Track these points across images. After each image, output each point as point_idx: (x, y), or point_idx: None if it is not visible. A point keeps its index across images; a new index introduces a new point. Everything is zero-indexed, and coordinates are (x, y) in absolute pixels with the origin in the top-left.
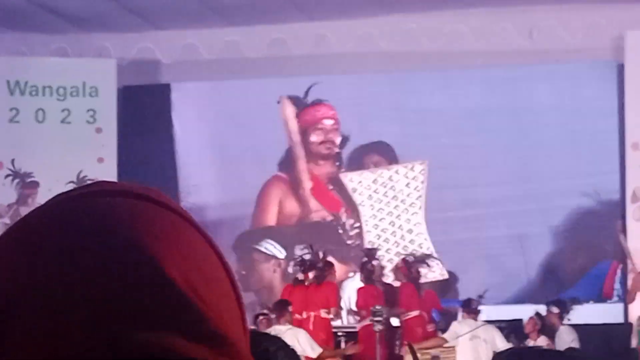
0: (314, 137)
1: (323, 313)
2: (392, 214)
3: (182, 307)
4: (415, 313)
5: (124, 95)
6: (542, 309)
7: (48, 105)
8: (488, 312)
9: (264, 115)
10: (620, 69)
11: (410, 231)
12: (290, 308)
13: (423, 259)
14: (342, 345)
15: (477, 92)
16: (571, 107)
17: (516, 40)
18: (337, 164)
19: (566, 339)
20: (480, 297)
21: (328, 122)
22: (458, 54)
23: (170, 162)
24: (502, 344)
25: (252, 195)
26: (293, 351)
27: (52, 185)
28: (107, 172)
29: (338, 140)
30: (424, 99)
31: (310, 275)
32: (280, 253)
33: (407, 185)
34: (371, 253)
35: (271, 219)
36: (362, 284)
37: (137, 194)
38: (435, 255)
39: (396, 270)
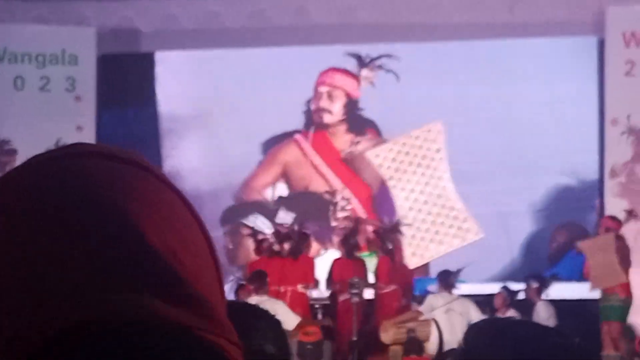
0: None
1: (300, 288)
2: (420, 182)
3: (160, 270)
4: (391, 287)
5: (103, 64)
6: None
7: (27, 73)
8: (471, 289)
9: (249, 86)
10: (601, 44)
11: (439, 196)
12: (267, 279)
13: (394, 228)
14: (319, 317)
15: (458, 66)
16: (551, 83)
17: (497, 14)
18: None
19: (543, 314)
20: (458, 271)
21: (323, 89)
22: (438, 26)
23: (152, 131)
24: (477, 317)
25: (236, 167)
26: (276, 321)
27: (30, 153)
28: (86, 140)
29: (336, 107)
30: (403, 72)
31: (286, 246)
32: (268, 228)
33: (428, 149)
34: (356, 227)
35: (269, 179)
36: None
37: (116, 157)
38: (407, 222)
39: (369, 242)
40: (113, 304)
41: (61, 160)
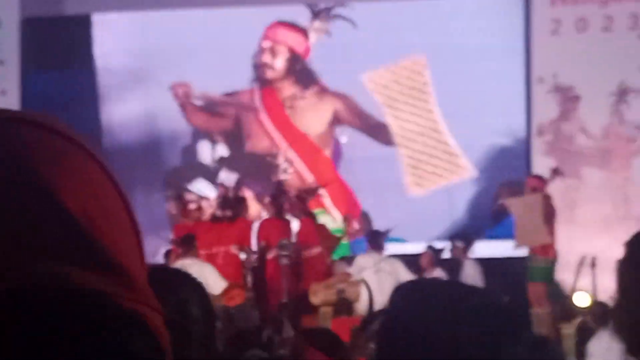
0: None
1: (233, 249)
2: (414, 113)
3: (75, 236)
4: (316, 250)
5: (28, 27)
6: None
7: None
8: (399, 249)
9: (192, 45)
10: (527, 2)
11: (433, 130)
12: (195, 243)
13: (314, 191)
14: (249, 279)
15: (385, 26)
16: (477, 42)
17: None
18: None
19: (470, 273)
20: (387, 231)
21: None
22: None
23: (89, 94)
24: (406, 277)
25: (179, 131)
26: (199, 284)
27: None
28: (9, 105)
29: (278, 63)
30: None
31: (227, 213)
32: (212, 192)
33: (416, 81)
34: (281, 186)
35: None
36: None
37: (35, 123)
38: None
39: (292, 206)
40: (30, 273)
41: None
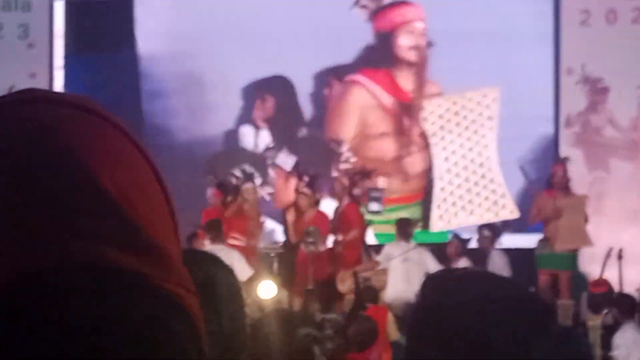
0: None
1: (247, 238)
2: (464, 146)
3: (113, 217)
4: (355, 234)
5: (69, 10)
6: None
7: None
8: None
9: (232, 36)
10: None
11: (481, 165)
12: (222, 228)
13: (367, 174)
14: (275, 266)
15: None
16: (507, 31)
17: None
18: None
19: (498, 264)
20: (416, 220)
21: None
22: None
23: (129, 77)
24: (434, 266)
25: (220, 120)
26: (231, 271)
27: None
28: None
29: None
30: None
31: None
32: (258, 179)
33: (480, 114)
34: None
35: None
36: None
37: (69, 102)
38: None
39: (343, 190)
40: (67, 253)
41: (10, 105)
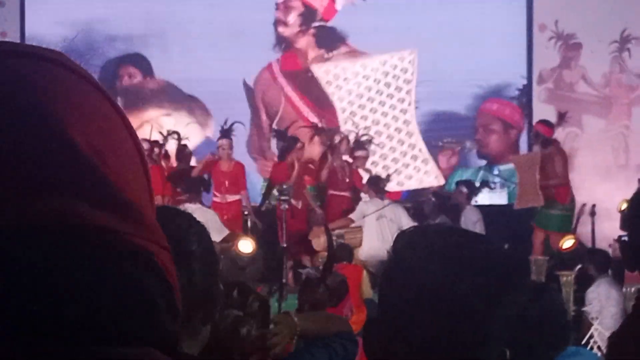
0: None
1: (233, 194)
2: (377, 111)
3: (85, 172)
4: (344, 192)
5: None
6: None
7: None
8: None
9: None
10: None
11: (398, 130)
12: (202, 188)
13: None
14: (249, 224)
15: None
16: None
17: None
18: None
19: (471, 218)
20: (388, 176)
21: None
22: None
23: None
24: (408, 223)
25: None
26: (204, 228)
27: None
28: None
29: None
30: None
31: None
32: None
33: (395, 77)
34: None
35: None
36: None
37: (39, 56)
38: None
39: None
40: (35, 208)
41: None
